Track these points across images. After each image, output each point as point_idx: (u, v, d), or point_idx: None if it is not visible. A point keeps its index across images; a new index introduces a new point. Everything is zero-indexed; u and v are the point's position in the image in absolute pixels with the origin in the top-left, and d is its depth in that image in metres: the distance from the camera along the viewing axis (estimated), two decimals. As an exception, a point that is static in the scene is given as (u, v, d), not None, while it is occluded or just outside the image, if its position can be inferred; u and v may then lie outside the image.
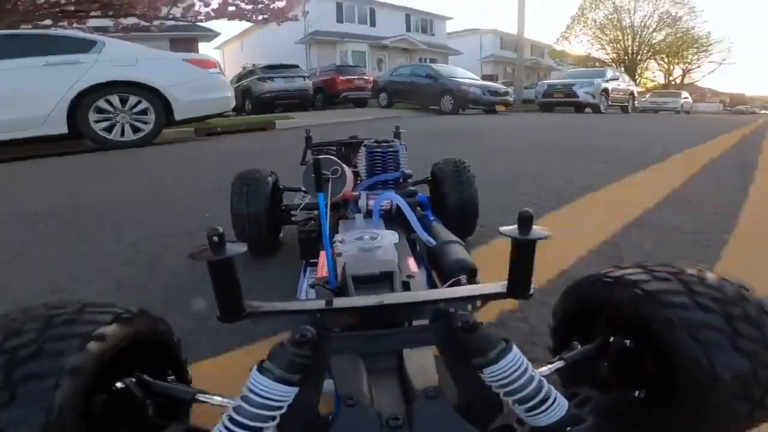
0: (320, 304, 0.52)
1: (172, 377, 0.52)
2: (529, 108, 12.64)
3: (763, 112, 28.14)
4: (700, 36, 29.92)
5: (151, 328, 0.49)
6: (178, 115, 4.56)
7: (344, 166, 0.93)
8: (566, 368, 0.49)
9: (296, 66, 11.91)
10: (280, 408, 0.37)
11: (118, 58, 4.30)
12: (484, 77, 14.77)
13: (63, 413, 0.35)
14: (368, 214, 1.00)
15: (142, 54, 4.51)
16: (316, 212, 1.12)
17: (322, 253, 0.68)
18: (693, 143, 4.16)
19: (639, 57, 30.09)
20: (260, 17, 8.39)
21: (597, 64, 27.65)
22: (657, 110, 17.20)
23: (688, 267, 0.46)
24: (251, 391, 0.37)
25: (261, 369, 0.38)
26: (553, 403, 0.39)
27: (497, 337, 0.41)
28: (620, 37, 29.82)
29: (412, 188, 1.20)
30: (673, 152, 3.48)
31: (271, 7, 8.23)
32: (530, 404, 0.39)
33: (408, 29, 23.07)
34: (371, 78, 12.70)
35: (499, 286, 0.53)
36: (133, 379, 0.46)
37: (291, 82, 10.90)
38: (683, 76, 32.19)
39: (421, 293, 0.57)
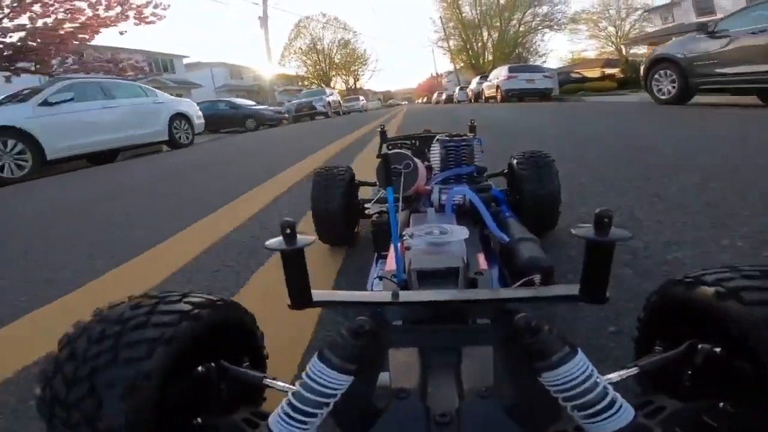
0: (383, 296, 0.54)
1: (247, 363, 0.56)
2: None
3: (404, 102, 45.14)
4: (361, 54, 45.50)
5: (237, 318, 0.53)
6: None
7: (416, 160, 0.98)
8: (646, 375, 0.46)
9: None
10: (334, 396, 0.38)
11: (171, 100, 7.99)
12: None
13: (145, 396, 0.39)
14: (441, 208, 1.00)
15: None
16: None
17: (392, 246, 0.69)
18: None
19: (330, 74, 43.14)
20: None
21: (300, 83, 38.31)
22: (349, 111, 23.96)
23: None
24: (309, 377, 0.39)
25: (321, 356, 0.39)
26: (616, 411, 0.36)
27: (562, 341, 0.38)
28: (318, 60, 42.51)
29: (486, 183, 1.20)
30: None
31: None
32: (589, 411, 0.35)
33: (151, 70, 26.18)
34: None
35: (572, 288, 0.51)
36: (213, 364, 0.49)
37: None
38: (355, 84, 47.05)
39: (484, 291, 0.56)
